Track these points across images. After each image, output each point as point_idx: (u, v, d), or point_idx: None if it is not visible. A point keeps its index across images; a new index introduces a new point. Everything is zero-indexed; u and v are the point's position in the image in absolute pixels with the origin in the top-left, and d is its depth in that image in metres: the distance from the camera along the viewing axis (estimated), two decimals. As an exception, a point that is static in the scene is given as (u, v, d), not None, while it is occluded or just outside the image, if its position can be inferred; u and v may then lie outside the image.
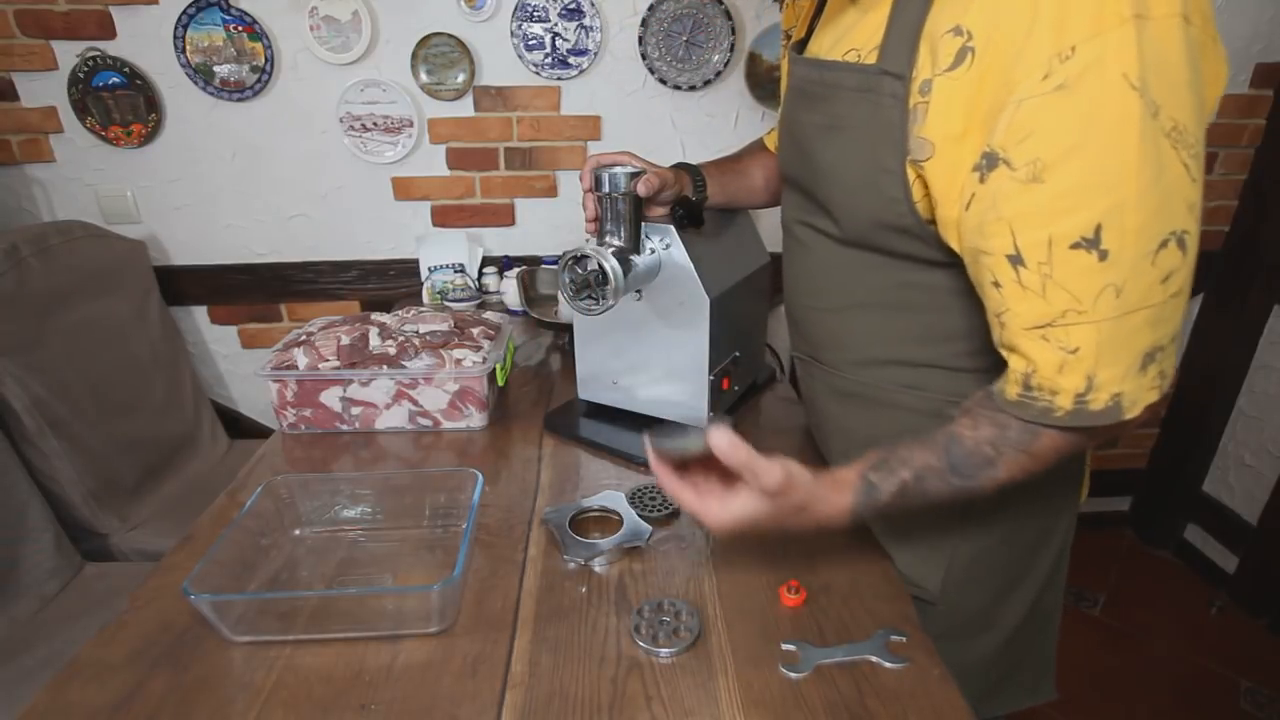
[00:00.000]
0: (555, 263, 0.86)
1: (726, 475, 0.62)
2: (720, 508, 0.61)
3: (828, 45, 0.69)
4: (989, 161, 0.53)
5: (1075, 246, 0.51)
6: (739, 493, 0.60)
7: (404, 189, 1.74)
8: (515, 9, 1.59)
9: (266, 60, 1.58)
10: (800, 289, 0.82)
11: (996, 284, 0.55)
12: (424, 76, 1.63)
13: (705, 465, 0.63)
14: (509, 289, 1.61)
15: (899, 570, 0.78)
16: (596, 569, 0.78)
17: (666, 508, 0.86)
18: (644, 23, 1.61)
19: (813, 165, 0.72)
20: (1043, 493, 0.75)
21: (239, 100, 1.61)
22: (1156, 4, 0.47)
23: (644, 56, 1.64)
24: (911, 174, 0.60)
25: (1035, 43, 0.49)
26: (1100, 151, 0.49)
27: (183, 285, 1.77)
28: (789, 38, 0.84)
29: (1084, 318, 0.52)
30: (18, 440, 1.29)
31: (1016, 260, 0.53)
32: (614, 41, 1.65)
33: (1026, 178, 0.51)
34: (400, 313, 1.19)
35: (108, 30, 1.54)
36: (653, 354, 0.98)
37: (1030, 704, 0.86)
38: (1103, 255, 0.50)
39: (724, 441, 0.58)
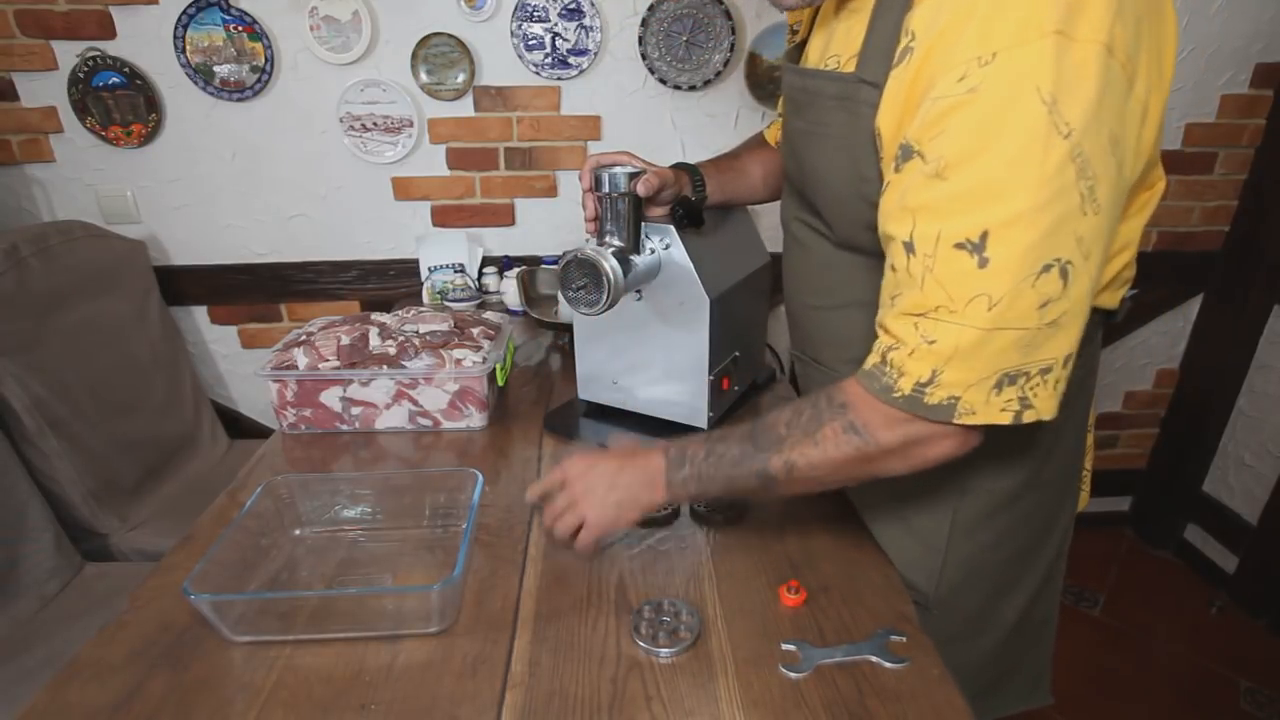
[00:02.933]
0: (555, 262, 0.86)
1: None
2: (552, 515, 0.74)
3: (819, 48, 0.70)
4: (904, 153, 0.54)
5: (959, 247, 0.51)
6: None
7: (404, 189, 1.74)
8: (515, 9, 1.59)
9: (266, 60, 1.58)
10: (798, 287, 0.82)
11: (893, 268, 0.57)
12: (424, 76, 1.63)
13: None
14: (509, 289, 1.61)
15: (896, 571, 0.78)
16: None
17: (666, 507, 0.86)
18: (644, 23, 1.61)
19: (804, 169, 0.73)
20: (1037, 499, 0.75)
21: (239, 100, 1.61)
22: (1082, 27, 0.47)
23: (644, 56, 1.64)
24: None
25: (961, 45, 0.50)
26: (1000, 159, 0.49)
27: (183, 285, 1.77)
28: (795, 33, 0.84)
29: (954, 318, 0.53)
30: (18, 440, 1.29)
31: (909, 248, 0.55)
32: (614, 41, 1.65)
33: (932, 173, 0.52)
34: (400, 313, 1.19)
35: (108, 30, 1.54)
36: (653, 354, 0.98)
37: (1024, 708, 0.86)
38: (983, 262, 0.51)
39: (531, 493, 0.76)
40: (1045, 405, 0.56)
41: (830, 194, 0.69)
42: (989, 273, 0.51)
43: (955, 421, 0.55)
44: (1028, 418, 0.55)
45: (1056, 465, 0.74)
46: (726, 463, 0.67)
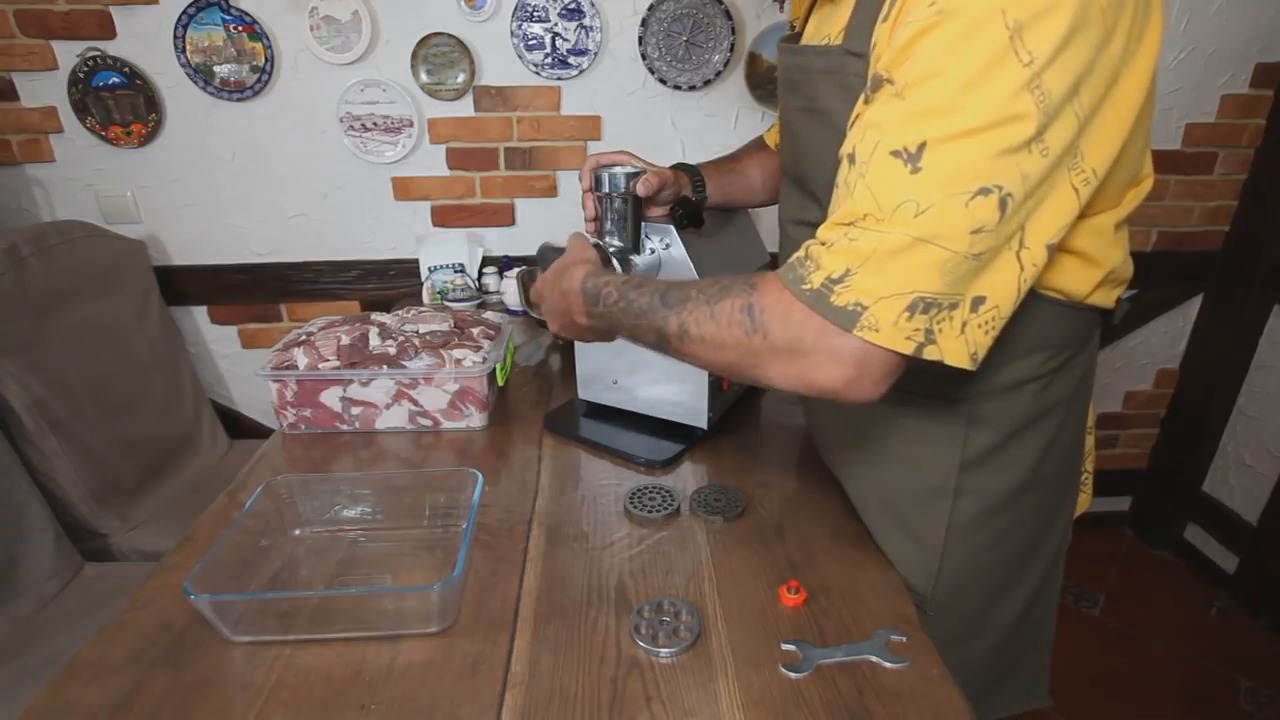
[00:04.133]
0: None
1: None
2: None
3: (813, 34, 0.71)
4: (874, 83, 0.54)
5: (895, 155, 0.51)
6: None
7: (404, 189, 1.74)
8: (515, 9, 1.59)
9: (266, 60, 1.58)
10: None
11: (837, 184, 0.57)
12: (424, 76, 1.63)
13: None
14: (509, 289, 1.61)
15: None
16: None
17: (666, 507, 0.87)
18: (644, 23, 1.61)
19: (800, 151, 0.73)
20: (1034, 500, 0.75)
21: (239, 100, 1.61)
22: None
23: (644, 56, 1.64)
24: None
25: None
26: (953, 80, 0.48)
27: (183, 285, 1.77)
28: (793, 28, 0.84)
29: (880, 227, 0.51)
30: (18, 440, 1.29)
31: (851, 159, 0.54)
32: (614, 41, 1.65)
33: (893, 94, 0.52)
34: (400, 313, 1.19)
35: (108, 30, 1.54)
36: (653, 354, 0.98)
37: (1022, 709, 0.86)
38: (915, 170, 0.50)
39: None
40: (949, 346, 0.53)
41: (825, 172, 0.68)
42: (919, 180, 0.50)
43: (855, 332, 0.52)
44: (928, 354, 0.53)
45: (1054, 465, 0.74)
46: (632, 312, 0.67)
